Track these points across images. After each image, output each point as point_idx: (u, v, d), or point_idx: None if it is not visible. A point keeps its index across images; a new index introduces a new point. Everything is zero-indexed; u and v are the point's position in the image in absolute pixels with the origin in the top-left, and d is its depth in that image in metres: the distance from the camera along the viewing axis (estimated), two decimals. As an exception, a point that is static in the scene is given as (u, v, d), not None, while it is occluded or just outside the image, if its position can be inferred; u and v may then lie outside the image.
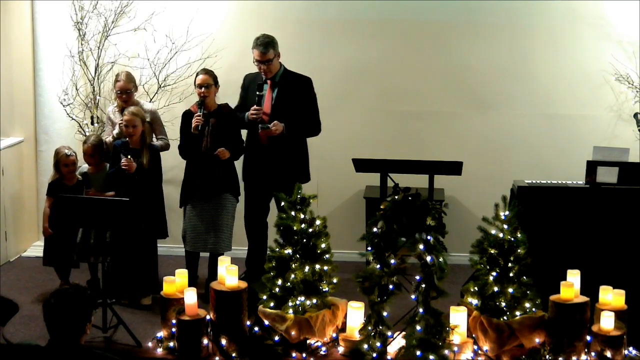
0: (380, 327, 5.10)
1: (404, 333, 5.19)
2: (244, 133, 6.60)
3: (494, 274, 5.38)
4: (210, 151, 6.39)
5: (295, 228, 5.46)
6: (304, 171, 6.58)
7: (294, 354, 5.41)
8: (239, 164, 6.67)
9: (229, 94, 6.91)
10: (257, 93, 6.36)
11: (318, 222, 5.53)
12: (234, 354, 5.37)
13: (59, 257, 6.56)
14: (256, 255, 6.66)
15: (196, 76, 6.49)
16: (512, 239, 5.37)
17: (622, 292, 5.38)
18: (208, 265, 6.59)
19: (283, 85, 6.42)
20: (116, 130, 6.59)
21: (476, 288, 5.43)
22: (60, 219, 6.40)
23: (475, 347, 5.40)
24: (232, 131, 6.48)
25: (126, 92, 6.58)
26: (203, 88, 6.38)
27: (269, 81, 6.42)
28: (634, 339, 5.39)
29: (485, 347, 5.37)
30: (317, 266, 5.48)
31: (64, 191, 6.40)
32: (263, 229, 6.67)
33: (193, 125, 6.35)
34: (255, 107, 6.34)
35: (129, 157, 6.30)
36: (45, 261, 6.65)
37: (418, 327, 5.02)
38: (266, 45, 6.29)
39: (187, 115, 6.51)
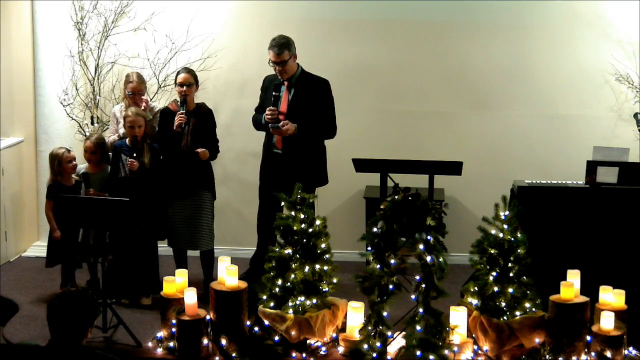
0: (380, 327, 5.10)
1: (404, 333, 5.18)
2: (261, 135, 6.56)
3: (494, 274, 5.38)
4: (190, 150, 6.39)
5: (295, 228, 5.46)
6: (321, 175, 6.54)
7: (294, 354, 5.41)
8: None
9: (229, 94, 6.92)
10: (274, 94, 6.32)
11: (318, 222, 5.53)
12: (234, 354, 5.37)
13: (65, 256, 6.56)
14: (263, 256, 6.65)
15: (177, 74, 6.48)
16: (512, 239, 5.37)
17: (622, 292, 5.38)
18: (201, 265, 6.60)
19: (300, 86, 6.39)
20: (122, 130, 6.59)
21: (476, 288, 5.43)
22: (60, 220, 6.40)
23: (475, 347, 5.40)
24: (210, 131, 6.49)
25: (139, 93, 6.59)
26: (185, 87, 6.38)
27: (286, 82, 6.39)
28: (634, 339, 5.39)
29: (485, 347, 5.37)
30: (317, 266, 5.48)
31: (63, 192, 6.39)
32: (274, 231, 6.65)
33: (176, 124, 6.35)
34: (270, 107, 6.31)
35: (134, 155, 6.31)
36: (49, 262, 6.63)
37: (418, 327, 5.02)
38: (281, 46, 6.26)
39: (166, 114, 6.51)
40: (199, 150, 6.35)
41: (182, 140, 6.40)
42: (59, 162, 6.52)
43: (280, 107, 6.35)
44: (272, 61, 6.31)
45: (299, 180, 6.10)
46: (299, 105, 6.35)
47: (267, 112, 6.31)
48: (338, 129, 6.61)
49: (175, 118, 6.36)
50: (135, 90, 6.59)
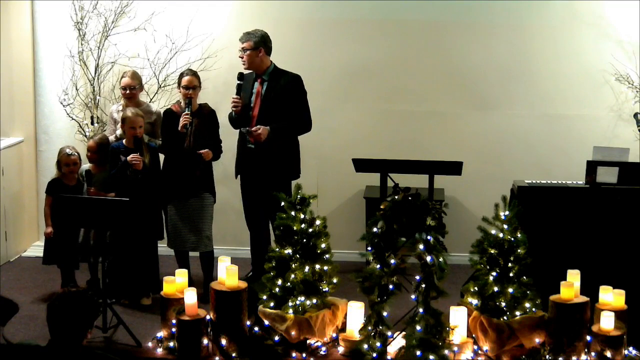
0: (380, 327, 5.10)
1: (404, 333, 5.19)
2: (234, 132, 6.59)
3: (494, 274, 5.38)
4: (193, 150, 6.38)
5: (295, 228, 5.46)
6: (294, 168, 6.54)
7: (294, 354, 5.41)
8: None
9: (229, 94, 6.89)
10: (237, 82, 6.39)
11: (318, 222, 5.53)
12: (234, 354, 5.38)
13: (61, 256, 6.56)
14: (261, 255, 6.66)
15: (180, 76, 6.47)
16: (512, 239, 5.37)
17: (622, 292, 5.38)
18: (201, 266, 6.59)
19: (272, 81, 6.43)
20: (119, 131, 6.58)
21: (476, 288, 5.43)
22: (60, 219, 6.40)
23: (475, 347, 5.40)
24: (212, 131, 6.50)
25: (131, 88, 6.58)
26: (190, 89, 6.38)
27: (258, 79, 6.44)
28: (634, 339, 5.39)
29: (485, 347, 5.37)
30: (317, 266, 5.49)
31: (64, 191, 6.39)
32: (264, 228, 6.66)
33: (181, 124, 6.33)
34: (233, 97, 6.38)
35: (138, 153, 6.31)
36: (46, 260, 6.64)
37: (418, 327, 5.02)
38: (247, 34, 6.37)
39: (169, 115, 6.47)
40: (202, 151, 6.35)
41: (185, 141, 6.40)
42: (59, 162, 6.54)
43: (253, 102, 6.40)
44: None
45: (273, 174, 6.19)
46: (272, 99, 6.37)
47: (231, 101, 6.39)
48: (338, 129, 6.63)
49: (181, 119, 6.35)
50: (127, 85, 6.58)
